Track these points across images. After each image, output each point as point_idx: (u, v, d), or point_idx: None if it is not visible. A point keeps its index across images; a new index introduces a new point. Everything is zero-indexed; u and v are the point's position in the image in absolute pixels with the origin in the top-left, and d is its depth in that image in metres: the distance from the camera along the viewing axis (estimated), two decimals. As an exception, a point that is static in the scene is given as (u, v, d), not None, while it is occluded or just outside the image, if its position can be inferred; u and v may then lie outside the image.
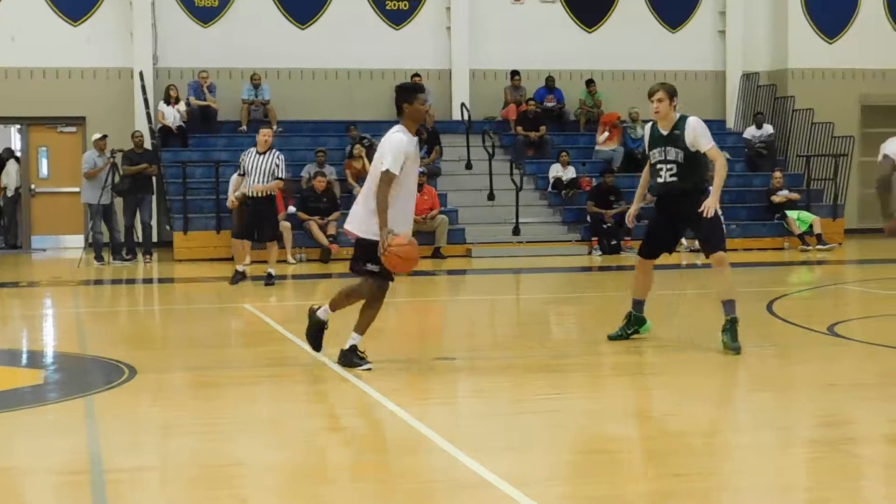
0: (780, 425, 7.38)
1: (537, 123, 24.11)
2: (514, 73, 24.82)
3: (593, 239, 21.42)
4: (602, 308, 13.80)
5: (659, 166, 9.72)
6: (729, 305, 9.62)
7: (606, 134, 24.00)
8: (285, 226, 19.33)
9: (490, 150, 22.44)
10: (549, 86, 25.03)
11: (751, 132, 24.84)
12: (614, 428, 7.30)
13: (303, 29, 24.38)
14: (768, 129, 24.70)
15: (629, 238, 21.31)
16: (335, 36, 24.27)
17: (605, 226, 21.35)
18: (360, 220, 8.79)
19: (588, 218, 21.67)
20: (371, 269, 8.74)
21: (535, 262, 19.67)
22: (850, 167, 23.99)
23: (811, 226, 22.03)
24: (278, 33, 24.13)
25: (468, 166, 23.31)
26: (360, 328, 8.94)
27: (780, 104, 25.44)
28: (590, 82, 25.05)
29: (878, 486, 6.08)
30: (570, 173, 22.92)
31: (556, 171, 22.98)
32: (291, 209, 20.32)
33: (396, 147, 8.57)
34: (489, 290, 16.31)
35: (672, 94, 9.76)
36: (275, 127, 21.07)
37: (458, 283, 17.81)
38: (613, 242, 21.22)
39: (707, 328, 10.44)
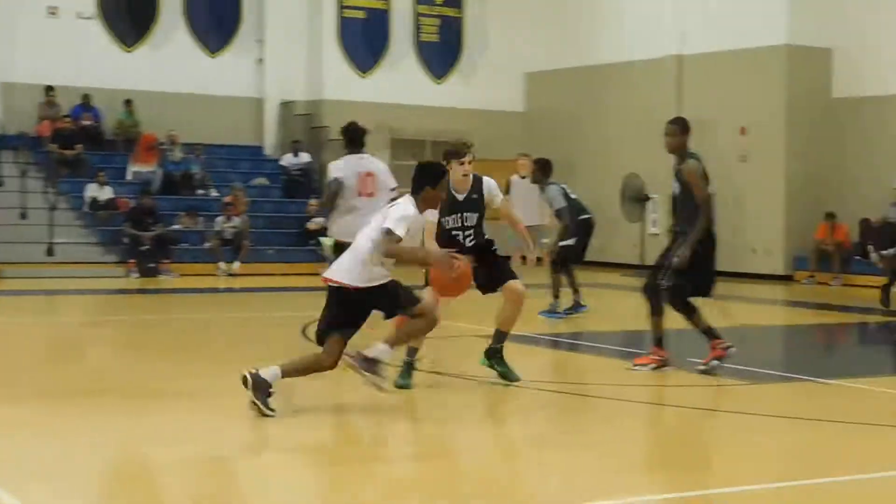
0: (316, 447, 7.66)
1: (73, 141, 23.50)
2: (49, 88, 24.06)
3: (130, 261, 21.14)
4: (137, 331, 13.69)
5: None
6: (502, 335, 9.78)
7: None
8: None
9: (22, 167, 21.65)
10: (86, 104, 24.45)
11: (288, 159, 25.39)
12: (154, 451, 7.31)
13: None
14: (305, 157, 25.34)
15: (168, 260, 21.26)
16: None
17: (142, 248, 21.15)
18: (347, 270, 8.42)
19: (125, 239, 21.38)
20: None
21: (70, 283, 19.18)
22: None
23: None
24: None
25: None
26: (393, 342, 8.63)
27: (315, 133, 26.18)
28: (128, 102, 24.71)
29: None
30: (107, 193, 22.52)
31: (92, 190, 22.50)
32: None
33: (404, 215, 8.28)
34: (20, 311, 15.74)
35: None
36: None
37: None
38: (151, 265, 21.06)
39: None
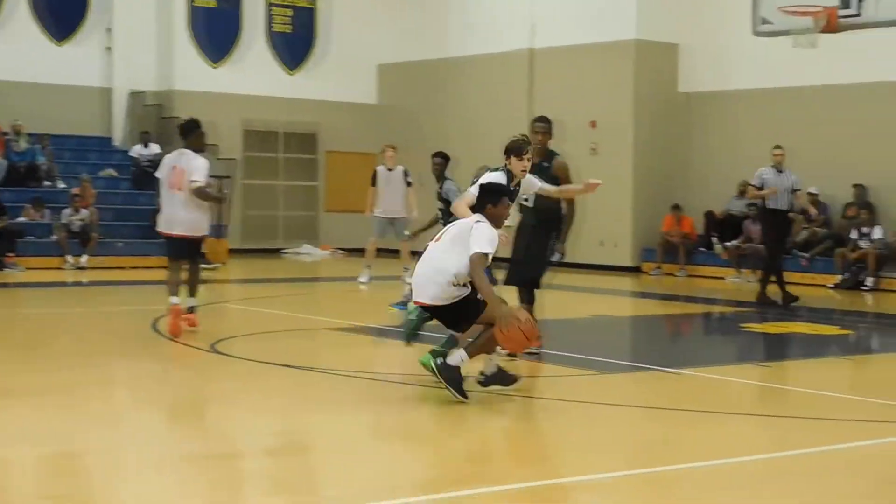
0: (167, 441, 7.60)
1: (-89, 131, 22.75)
2: None
3: (-28, 254, 20.58)
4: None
5: None
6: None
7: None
8: None
9: None
10: (-74, 92, 23.70)
11: (137, 150, 24.97)
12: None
13: None
14: (155, 147, 24.95)
15: (13, 254, 20.73)
16: None
17: (-15, 241, 20.60)
18: (431, 296, 8.74)
19: (-34, 232, 20.79)
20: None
21: None
22: (233, 189, 24.82)
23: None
24: None
25: None
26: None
27: (166, 124, 25.80)
28: (-29, 91, 24.05)
29: (260, 497, 6.45)
30: (-53, 185, 21.87)
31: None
32: None
33: (491, 236, 8.61)
34: None
35: None
36: None
37: None
38: (-6, 258, 20.54)
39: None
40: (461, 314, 8.76)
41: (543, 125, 11.28)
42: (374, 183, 18.29)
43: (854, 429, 8.29)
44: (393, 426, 8.20)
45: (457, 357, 8.71)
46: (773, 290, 16.93)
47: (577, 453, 7.50)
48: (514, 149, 9.86)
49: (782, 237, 17.46)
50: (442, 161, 14.87)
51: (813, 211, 19.15)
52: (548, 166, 11.04)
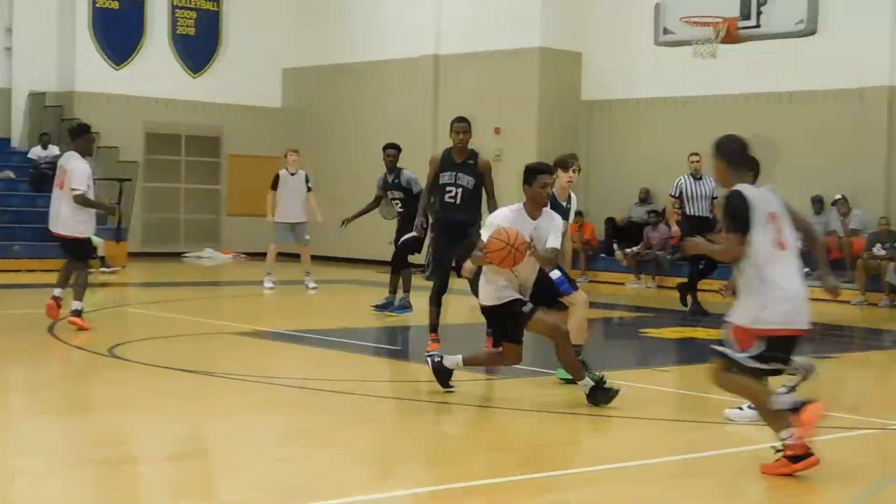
0: (64, 447, 7.50)
1: None
2: None
3: None
4: None
5: None
6: None
7: None
8: None
9: None
10: None
11: (36, 152, 24.58)
12: None
13: None
14: (55, 149, 24.56)
15: None
16: None
17: None
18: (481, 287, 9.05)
19: None
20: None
21: None
22: (134, 192, 24.53)
23: (96, 248, 22.15)
24: None
25: None
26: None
27: (66, 126, 25.39)
28: None
29: (156, 502, 6.39)
30: None
31: None
32: None
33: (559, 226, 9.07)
34: None
35: None
36: None
37: None
38: None
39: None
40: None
41: (464, 125, 11.73)
42: (274, 187, 18.34)
43: (755, 431, 8.44)
44: (290, 430, 8.17)
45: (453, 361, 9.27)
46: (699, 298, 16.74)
47: (475, 456, 7.53)
48: (562, 162, 10.36)
49: None
50: (395, 152, 15.20)
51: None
52: (473, 164, 11.69)
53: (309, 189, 18.38)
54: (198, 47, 27.50)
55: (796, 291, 6.87)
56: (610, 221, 23.36)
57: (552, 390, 10.01)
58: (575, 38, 23.95)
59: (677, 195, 16.92)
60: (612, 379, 10.22)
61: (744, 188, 7.04)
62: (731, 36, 20.60)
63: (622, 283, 22.21)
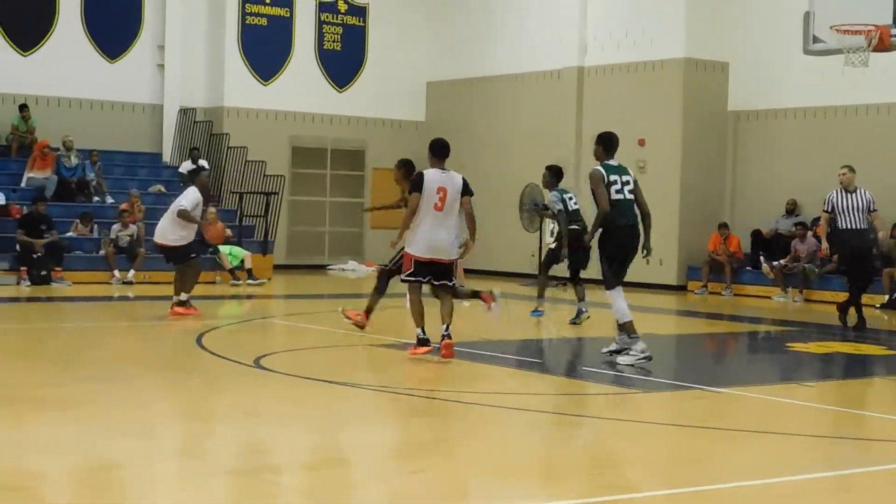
0: (205, 454, 7.62)
1: (-38, 146, 23.06)
2: (-60, 92, 23.59)
3: (22, 269, 20.76)
4: (26, 339, 13.47)
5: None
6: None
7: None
8: None
9: None
10: (-21, 108, 24.02)
11: (186, 167, 25.12)
12: (32, 459, 7.19)
13: None
14: (204, 164, 25.12)
15: (60, 269, 20.92)
16: None
17: (35, 255, 20.78)
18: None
19: (17, 247, 20.98)
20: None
21: (-42, 291, 18.81)
22: (280, 205, 24.93)
23: (242, 261, 22.65)
24: None
25: None
26: None
27: (215, 140, 25.99)
28: (23, 107, 24.31)
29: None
30: (-1, 200, 22.15)
31: (-15, 196, 22.10)
32: None
33: None
34: None
35: None
36: None
37: None
38: (44, 273, 20.71)
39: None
40: None
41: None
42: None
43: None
44: (425, 441, 8.17)
45: None
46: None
47: (615, 470, 7.44)
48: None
49: (859, 259, 16.35)
50: (553, 173, 16.30)
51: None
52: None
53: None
54: (343, 62, 27.86)
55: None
56: (756, 234, 22.93)
57: (687, 404, 9.84)
58: (721, 48, 23.61)
59: (829, 210, 16.33)
60: (756, 394, 10.02)
61: None
62: (884, 44, 20.01)
63: (769, 297, 21.77)
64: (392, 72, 28.11)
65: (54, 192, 23.16)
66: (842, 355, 13.89)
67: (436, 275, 11.72)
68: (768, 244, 22.63)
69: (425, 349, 11.70)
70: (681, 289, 23.27)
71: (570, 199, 15.89)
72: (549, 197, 16.16)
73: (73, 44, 25.33)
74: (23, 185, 23.36)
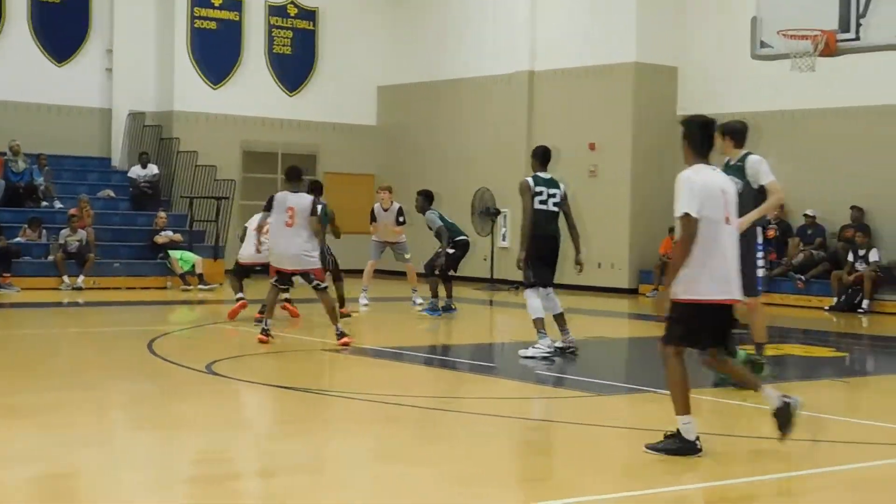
0: (162, 462, 7.58)
1: (-89, 151, 22.75)
2: None
3: (-31, 274, 20.54)
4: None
5: None
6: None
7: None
8: None
9: None
10: (-75, 112, 23.70)
11: (136, 171, 24.98)
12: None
13: None
14: (153, 168, 24.98)
15: (8, 274, 20.71)
16: None
17: (-18, 261, 20.58)
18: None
19: (-35, 252, 20.76)
20: None
21: None
22: (231, 210, 24.81)
23: (193, 265, 22.53)
24: None
25: None
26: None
27: (165, 145, 25.83)
28: (-31, 111, 24.08)
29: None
30: (-55, 205, 21.89)
31: (-70, 202, 21.82)
32: None
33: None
34: None
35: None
36: None
37: None
38: (-9, 278, 20.53)
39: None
40: None
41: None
42: (372, 220, 18.68)
43: (850, 451, 8.27)
44: (385, 447, 8.16)
45: None
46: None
47: (570, 474, 7.47)
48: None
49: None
50: (424, 196, 17.96)
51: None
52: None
53: (401, 223, 18.59)
54: (294, 66, 27.77)
55: None
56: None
57: (640, 407, 9.89)
58: (670, 53, 23.78)
59: None
60: (707, 396, 10.11)
61: None
62: (830, 49, 20.24)
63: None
64: (343, 76, 28.05)
65: (2, 197, 22.92)
66: (792, 357, 14.02)
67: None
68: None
69: (267, 338, 13.09)
70: (633, 292, 23.39)
71: (444, 216, 18.09)
72: (428, 216, 17.85)
73: (21, 47, 25.05)
74: (-32, 190, 23.10)
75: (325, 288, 13.45)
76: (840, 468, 7.68)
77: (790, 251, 21.78)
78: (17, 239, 21.94)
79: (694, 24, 23.65)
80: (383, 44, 28.24)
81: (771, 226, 22.19)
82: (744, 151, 10.95)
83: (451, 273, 17.94)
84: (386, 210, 18.56)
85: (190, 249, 23.08)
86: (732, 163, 10.81)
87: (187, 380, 11.00)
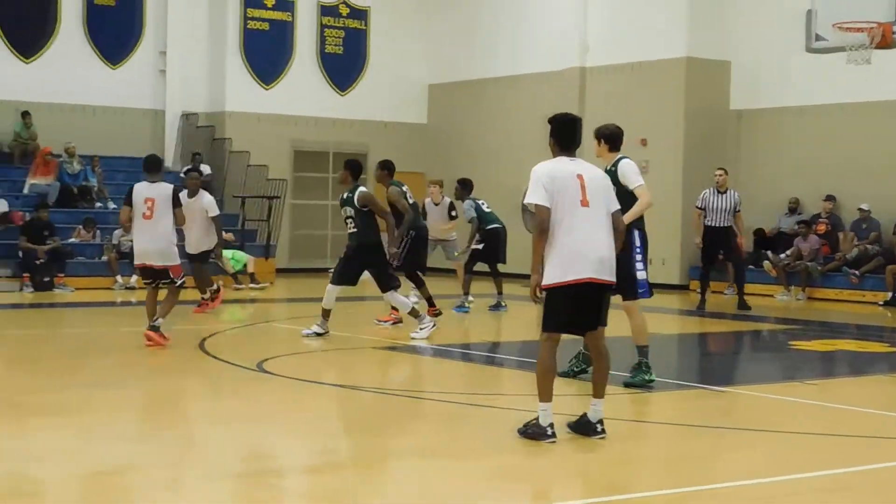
0: (208, 459, 7.61)
1: (-33, 154, 23.07)
2: (-57, 99, 23.60)
3: (25, 275, 20.76)
4: (27, 345, 13.48)
5: None
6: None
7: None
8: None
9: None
10: (-19, 115, 24.02)
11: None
12: (30, 467, 7.19)
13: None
14: (206, 169, 25.13)
15: (62, 275, 20.91)
16: None
17: (37, 261, 20.78)
18: None
19: (20, 253, 20.98)
20: None
21: (-39, 298, 18.80)
22: (282, 209, 24.93)
23: (245, 265, 22.64)
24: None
25: None
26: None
27: (217, 145, 25.99)
28: (25, 114, 24.32)
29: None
30: (2, 207, 22.12)
31: (-14, 204, 22.10)
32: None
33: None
34: None
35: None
36: None
37: None
38: (46, 279, 20.71)
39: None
40: None
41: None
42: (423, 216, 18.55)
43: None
44: (429, 444, 8.15)
45: None
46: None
47: (617, 470, 7.43)
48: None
49: (716, 252, 19.01)
50: (461, 185, 18.10)
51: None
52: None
53: (454, 217, 18.40)
54: (345, 65, 27.85)
55: None
56: (759, 232, 22.89)
57: (690, 404, 9.82)
58: (723, 47, 23.60)
59: (701, 207, 18.70)
60: (759, 392, 10.02)
61: None
62: (886, 41, 19.99)
63: (771, 295, 21.73)
64: (393, 75, 28.10)
65: (56, 199, 23.17)
66: (845, 353, 13.87)
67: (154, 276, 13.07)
68: (771, 243, 22.60)
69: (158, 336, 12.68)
70: (683, 288, 23.23)
71: (482, 204, 18.09)
72: (464, 206, 17.95)
73: (75, 50, 25.32)
74: (25, 191, 23.37)
75: (182, 286, 13.24)
76: (892, 464, 7.57)
77: (843, 246, 21.55)
78: (71, 240, 22.17)
79: (746, 18, 23.45)
80: (434, 42, 28.25)
81: (821, 220, 22.03)
82: (618, 156, 10.69)
83: (495, 268, 18.15)
84: (437, 205, 18.36)
85: (241, 249, 23.19)
86: (608, 168, 10.57)
87: (238, 378, 11.06)
